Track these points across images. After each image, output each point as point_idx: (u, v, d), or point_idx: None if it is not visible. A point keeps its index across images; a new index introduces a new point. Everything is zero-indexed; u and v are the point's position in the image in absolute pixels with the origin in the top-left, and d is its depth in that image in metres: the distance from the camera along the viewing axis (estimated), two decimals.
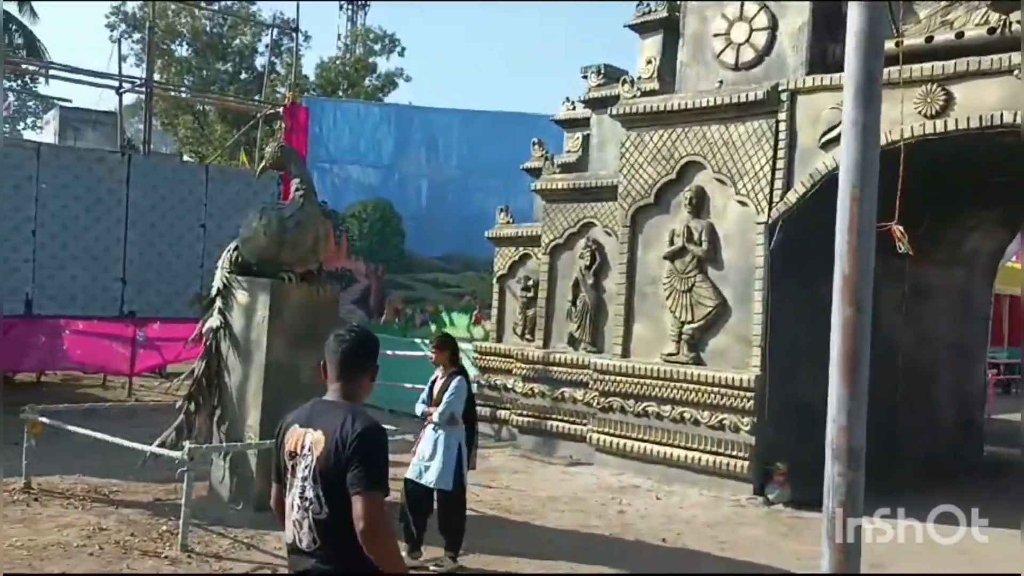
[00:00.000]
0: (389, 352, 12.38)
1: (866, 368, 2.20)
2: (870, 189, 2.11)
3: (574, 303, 12.15)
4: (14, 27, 24.99)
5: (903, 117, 8.47)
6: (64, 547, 6.86)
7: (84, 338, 14.47)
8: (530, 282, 13.04)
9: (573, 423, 11.91)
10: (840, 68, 9.43)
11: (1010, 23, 8.74)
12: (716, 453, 10.10)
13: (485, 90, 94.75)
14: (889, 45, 7.54)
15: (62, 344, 14.30)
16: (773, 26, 10.25)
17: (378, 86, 34.94)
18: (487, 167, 24.04)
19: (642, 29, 12.08)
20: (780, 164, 9.95)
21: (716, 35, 10.69)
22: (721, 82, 10.59)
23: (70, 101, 35.72)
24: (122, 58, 20.87)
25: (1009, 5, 8.74)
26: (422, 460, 7.02)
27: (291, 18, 27.06)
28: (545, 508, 9.16)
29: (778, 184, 9.95)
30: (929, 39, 9.26)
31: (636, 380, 10.81)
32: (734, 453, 9.97)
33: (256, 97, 25.49)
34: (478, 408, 13.35)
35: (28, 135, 41.88)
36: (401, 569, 3.15)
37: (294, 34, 24.28)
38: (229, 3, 34.34)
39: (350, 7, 39.82)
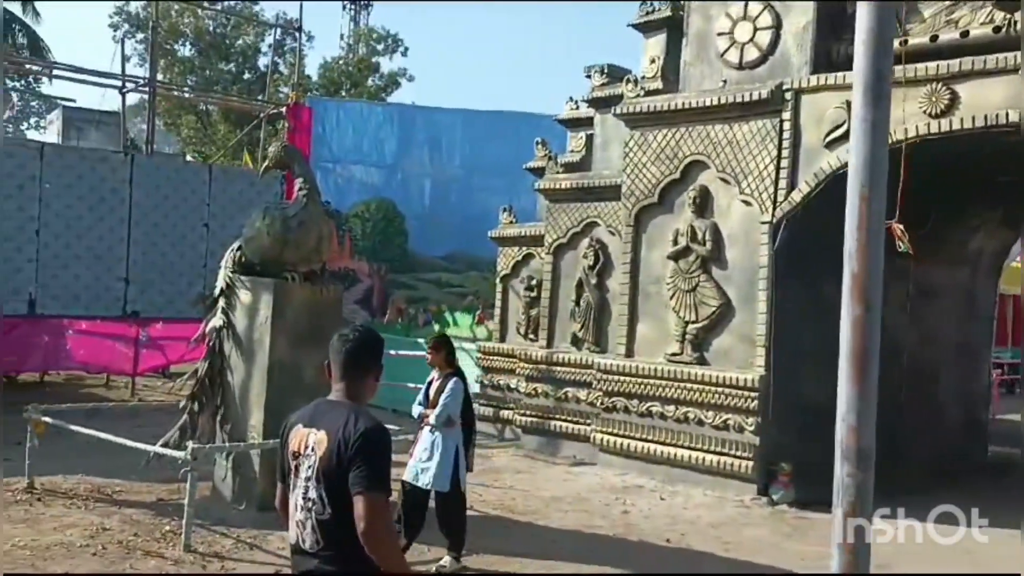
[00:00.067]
0: (392, 352, 12.35)
1: (875, 368, 2.19)
2: (879, 188, 2.09)
3: (577, 303, 12.13)
4: (17, 27, 25.01)
5: (908, 116, 8.45)
6: (67, 547, 6.85)
7: (87, 338, 14.46)
8: (533, 282, 13.02)
9: (577, 423, 11.90)
10: (844, 67, 9.50)
11: (1015, 22, 8.71)
12: (720, 453, 10.08)
13: (488, 90, 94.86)
14: (894, 44, 7.54)
15: (65, 344, 14.30)
16: (777, 25, 10.23)
17: (381, 86, 34.99)
18: (490, 167, 24.06)
19: (646, 28, 12.06)
20: (784, 163, 9.93)
21: (720, 34, 10.66)
22: (725, 81, 10.56)
23: (74, 101, 35.82)
24: (125, 58, 20.97)
25: (1014, 4, 8.72)
26: (419, 462, 6.97)
27: (294, 18, 27.13)
28: (549, 508, 9.14)
29: (782, 184, 9.93)
30: (934, 38, 9.23)
31: (640, 380, 10.79)
32: (738, 453, 9.95)
33: (259, 97, 25.54)
34: (482, 408, 13.50)
35: (32, 135, 41.98)
36: (403, 569, 3.13)
37: (297, 34, 24.28)
38: (232, 3, 34.42)
39: (353, 7, 39.89)
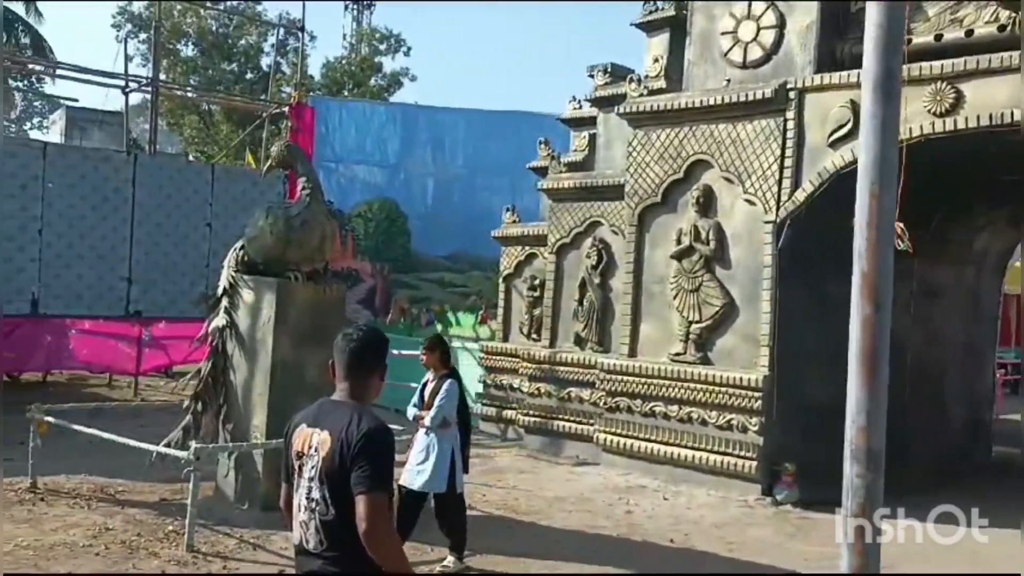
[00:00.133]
0: (395, 352, 12.32)
1: (886, 367, 2.17)
2: (889, 185, 2.08)
3: (581, 303, 12.11)
4: (20, 27, 25.03)
5: (912, 115, 8.42)
6: (70, 547, 6.85)
7: (90, 337, 14.46)
8: (536, 281, 13.00)
9: (580, 423, 11.88)
10: (848, 67, 9.47)
11: (1020, 21, 8.68)
12: (724, 453, 10.06)
13: (491, 89, 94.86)
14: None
15: (68, 343, 14.30)
16: (781, 24, 10.20)
17: (384, 86, 34.98)
18: (493, 166, 24.05)
19: (649, 27, 12.03)
20: (788, 163, 9.90)
21: (723, 33, 10.64)
22: (728, 80, 10.54)
23: (76, 101, 35.86)
24: (128, 58, 20.96)
25: (1018, 3, 8.69)
26: (414, 465, 6.92)
27: (297, 18, 27.16)
28: (552, 508, 9.13)
29: (786, 183, 9.91)
30: (938, 37, 9.20)
31: (643, 380, 10.77)
32: (742, 453, 9.93)
33: (262, 97, 25.52)
34: (485, 408, 13.50)
35: (35, 135, 42.04)
36: (405, 570, 3.11)
37: (300, 34, 24.31)
38: (235, 3, 34.42)
39: (355, 7, 39.89)
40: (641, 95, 11.36)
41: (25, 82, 35.56)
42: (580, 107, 13.86)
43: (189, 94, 30.50)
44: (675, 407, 10.47)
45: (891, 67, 2.06)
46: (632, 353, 11.08)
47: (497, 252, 14.27)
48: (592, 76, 13.04)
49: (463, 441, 7.13)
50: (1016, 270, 17.55)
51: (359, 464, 3.02)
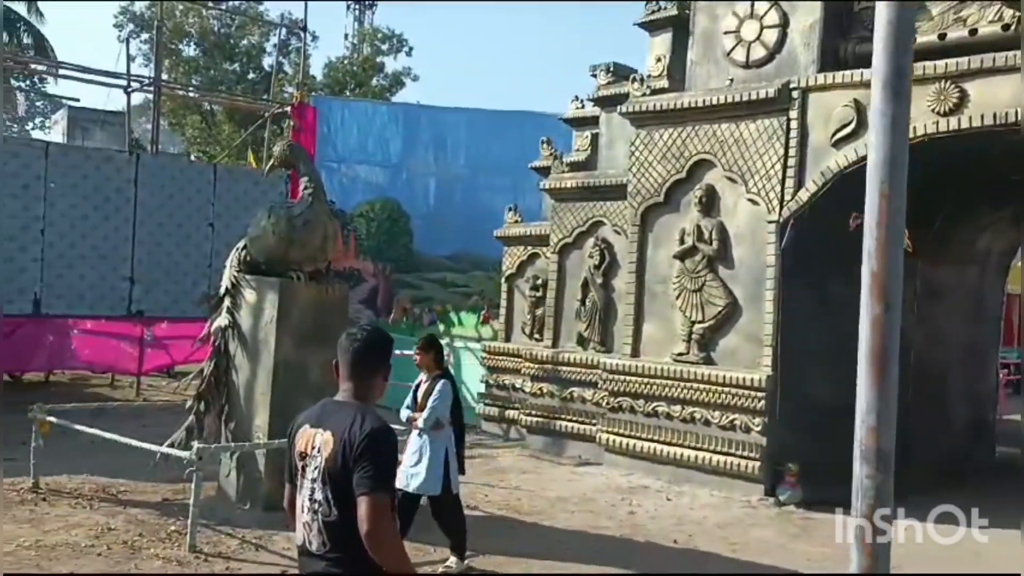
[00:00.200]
0: (397, 352, 12.31)
1: (895, 367, 2.16)
2: (899, 184, 2.06)
3: (583, 302, 12.09)
4: (22, 26, 25.00)
5: (916, 115, 8.38)
6: (72, 547, 6.84)
7: (92, 337, 14.47)
8: (539, 281, 12.99)
9: (582, 423, 11.86)
10: (851, 66, 9.44)
11: (1021, 21, 8.65)
12: (727, 454, 10.04)
13: (493, 89, 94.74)
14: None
15: (70, 343, 14.30)
16: (784, 23, 10.18)
17: (386, 85, 34.94)
18: (495, 166, 23.98)
19: (651, 27, 12.01)
20: (791, 162, 9.88)
21: (726, 33, 10.62)
22: (731, 80, 10.52)
23: (78, 101, 35.90)
24: (130, 58, 20.94)
25: (1019, 3, 8.67)
26: (408, 467, 6.85)
27: (299, 18, 27.20)
28: (554, 508, 9.11)
29: (789, 183, 9.89)
30: (942, 36, 9.18)
31: (646, 380, 10.75)
32: (745, 454, 9.91)
33: (264, 97, 25.52)
34: (487, 408, 13.48)
35: (36, 135, 42.06)
36: (408, 571, 3.09)
37: (302, 34, 24.30)
38: (237, 3, 34.40)
39: (357, 7, 39.83)
40: (644, 95, 11.34)
41: (27, 82, 35.57)
42: (582, 107, 13.84)
43: (191, 94, 30.48)
44: (678, 407, 10.45)
45: (901, 65, 2.04)
46: (635, 353, 11.06)
47: (499, 252, 14.26)
48: (594, 76, 13.03)
49: (457, 442, 7.09)
50: (1019, 270, 17.51)
51: (361, 465, 3.00)
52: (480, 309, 19.13)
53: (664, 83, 11.45)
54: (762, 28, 10.31)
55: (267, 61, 33.14)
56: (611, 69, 12.78)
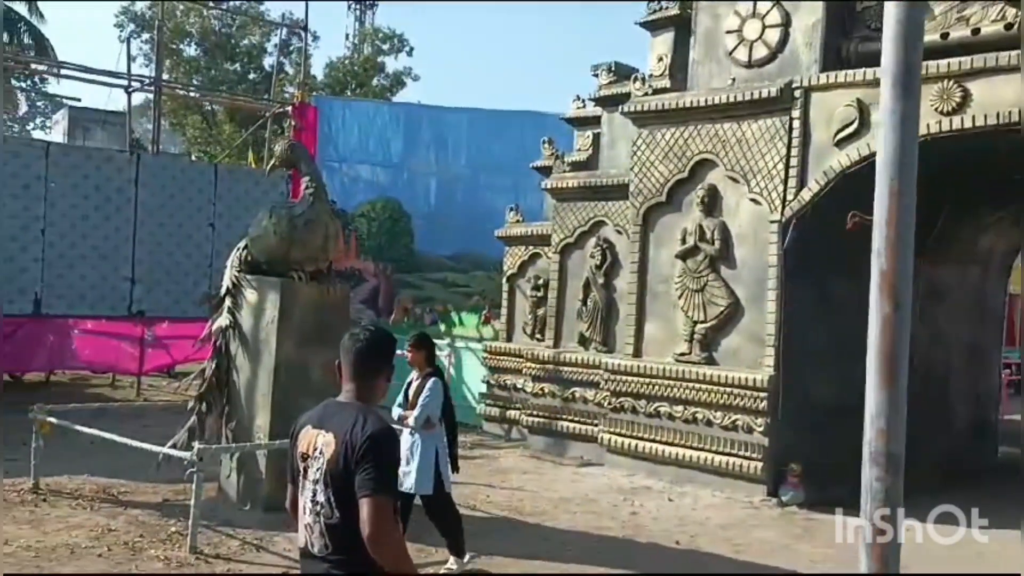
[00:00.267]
0: (399, 352, 12.31)
1: (905, 368, 2.13)
2: (909, 182, 2.03)
3: (585, 302, 12.07)
4: (23, 26, 24.98)
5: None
6: (72, 548, 6.82)
7: (93, 337, 14.45)
8: (540, 281, 12.97)
9: (584, 423, 11.84)
10: (854, 65, 9.41)
11: (1021, 21, 8.63)
12: (729, 454, 10.02)
13: (494, 88, 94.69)
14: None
15: (71, 343, 14.29)
16: (786, 23, 10.16)
17: (387, 85, 34.94)
18: (497, 166, 23.97)
19: (653, 26, 12.00)
20: (794, 162, 9.86)
21: (728, 32, 10.60)
22: (733, 79, 10.49)
23: (79, 101, 35.89)
24: (131, 58, 20.93)
25: (1020, 2, 8.64)
26: (401, 467, 6.85)
27: (300, 18, 27.19)
28: (556, 509, 9.09)
29: (791, 182, 9.86)
30: (945, 35, 9.15)
31: (648, 380, 10.73)
32: (747, 454, 9.88)
33: (265, 97, 25.49)
34: (488, 408, 13.46)
35: (37, 135, 42.06)
36: (410, 573, 3.06)
37: (303, 34, 24.28)
38: (238, 3, 34.38)
39: (358, 7, 39.85)
40: (645, 94, 11.32)
41: (28, 82, 35.56)
42: (584, 106, 13.82)
43: (192, 94, 30.46)
44: (680, 407, 10.43)
45: (911, 62, 2.02)
46: (636, 353, 11.03)
47: (501, 252, 14.24)
48: (596, 75, 13.01)
49: (450, 440, 7.06)
50: (1017, 270, 17.47)
51: (363, 467, 2.97)
52: (481, 309, 19.11)
53: (666, 83, 11.44)
54: (764, 27, 10.29)
55: (268, 61, 33.13)
56: (612, 69, 12.76)
